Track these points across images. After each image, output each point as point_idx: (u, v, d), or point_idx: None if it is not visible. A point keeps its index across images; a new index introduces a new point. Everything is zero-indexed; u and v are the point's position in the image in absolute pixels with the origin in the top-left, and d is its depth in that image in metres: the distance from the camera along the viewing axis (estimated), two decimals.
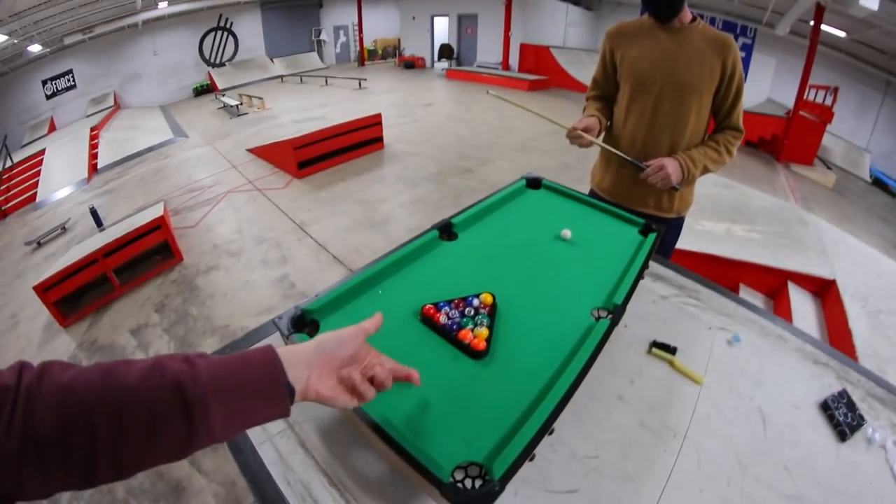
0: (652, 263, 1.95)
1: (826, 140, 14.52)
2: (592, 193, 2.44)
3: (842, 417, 1.32)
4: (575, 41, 21.96)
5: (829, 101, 13.88)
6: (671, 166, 2.01)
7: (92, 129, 12.19)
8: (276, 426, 1.14)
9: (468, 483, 0.88)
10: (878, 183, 16.45)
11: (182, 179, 7.87)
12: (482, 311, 1.28)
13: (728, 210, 4.84)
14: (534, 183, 2.23)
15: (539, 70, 18.53)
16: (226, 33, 22.12)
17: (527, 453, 0.89)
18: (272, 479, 1.03)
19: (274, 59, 23.27)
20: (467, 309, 1.28)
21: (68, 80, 17.43)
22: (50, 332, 4.30)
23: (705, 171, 2.11)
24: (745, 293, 3.91)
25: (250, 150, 8.66)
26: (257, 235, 5.34)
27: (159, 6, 17.32)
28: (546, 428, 0.94)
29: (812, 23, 12.33)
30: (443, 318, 1.25)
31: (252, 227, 5.60)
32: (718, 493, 1.08)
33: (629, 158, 2.11)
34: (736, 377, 1.45)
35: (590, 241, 1.77)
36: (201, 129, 11.85)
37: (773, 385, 1.45)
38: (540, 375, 1.11)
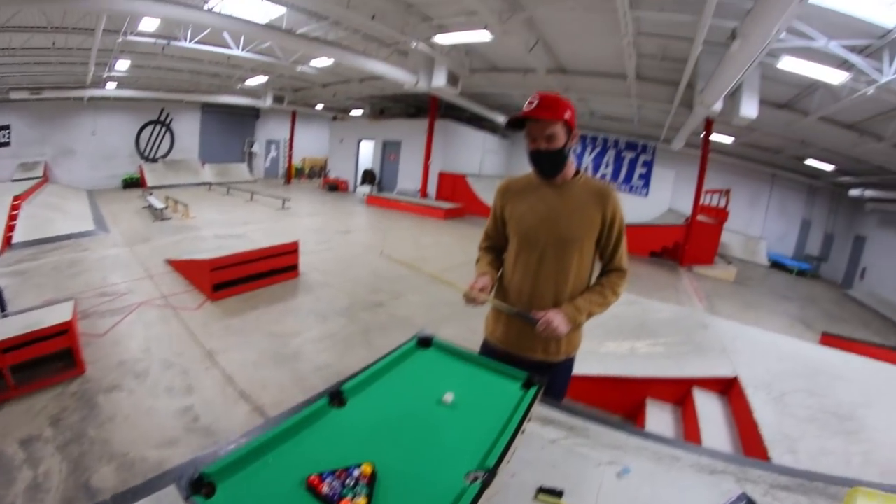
0: (542, 408, 2.10)
1: (724, 237, 16.30)
2: (485, 343, 2.59)
3: None
4: (491, 168, 23.86)
5: (723, 203, 15.37)
6: (557, 319, 2.14)
7: (15, 198, 11.82)
8: None
9: None
10: (776, 265, 18.66)
11: (97, 279, 7.85)
12: (361, 481, 1.37)
13: (632, 328, 5.02)
14: (424, 342, 2.39)
15: (456, 198, 19.58)
16: (164, 128, 22.43)
17: None
18: None
19: (205, 164, 23.50)
20: (348, 479, 1.37)
21: (4, 136, 17.27)
22: None
23: (591, 315, 2.27)
24: (653, 406, 4.06)
25: (169, 262, 8.76)
26: (165, 359, 5.39)
27: (107, 86, 17.47)
28: None
29: (703, 134, 13.95)
30: (325, 489, 1.34)
31: (161, 348, 5.65)
32: None
33: (523, 314, 2.26)
34: None
35: (472, 403, 1.89)
36: (123, 228, 11.90)
37: None
38: None
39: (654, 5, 8.32)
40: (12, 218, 10.65)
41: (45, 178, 17.52)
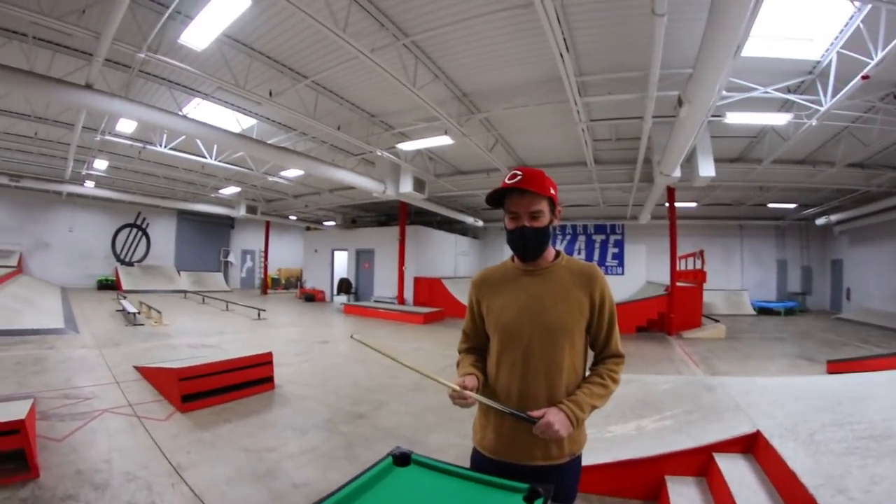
0: None
1: (706, 297, 16.70)
2: (475, 453, 2.27)
3: None
4: (465, 269, 24.52)
5: (699, 264, 15.75)
6: (557, 420, 1.90)
7: None
8: None
9: None
10: (763, 311, 19.05)
11: (60, 380, 7.50)
12: None
13: (634, 406, 4.77)
14: (402, 459, 2.09)
15: (433, 301, 19.72)
16: (140, 232, 22.57)
17: None
18: None
19: (181, 272, 23.60)
20: None
21: None
22: None
23: (593, 409, 2.03)
24: (673, 483, 3.76)
25: (137, 368, 8.42)
26: (128, 471, 4.98)
27: (85, 183, 17.81)
28: None
29: (667, 204, 14.54)
30: None
31: (124, 459, 5.25)
32: None
33: (517, 413, 1.97)
34: None
35: None
36: (94, 329, 11.60)
37: None
38: None
39: (601, 90, 8.97)
40: None
41: (19, 269, 17.41)
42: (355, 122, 11.27)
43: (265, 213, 22.72)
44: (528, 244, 2.06)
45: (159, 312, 13.77)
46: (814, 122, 9.01)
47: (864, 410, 3.47)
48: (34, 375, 7.57)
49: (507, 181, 1.99)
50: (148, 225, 22.88)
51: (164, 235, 23.66)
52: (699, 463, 3.83)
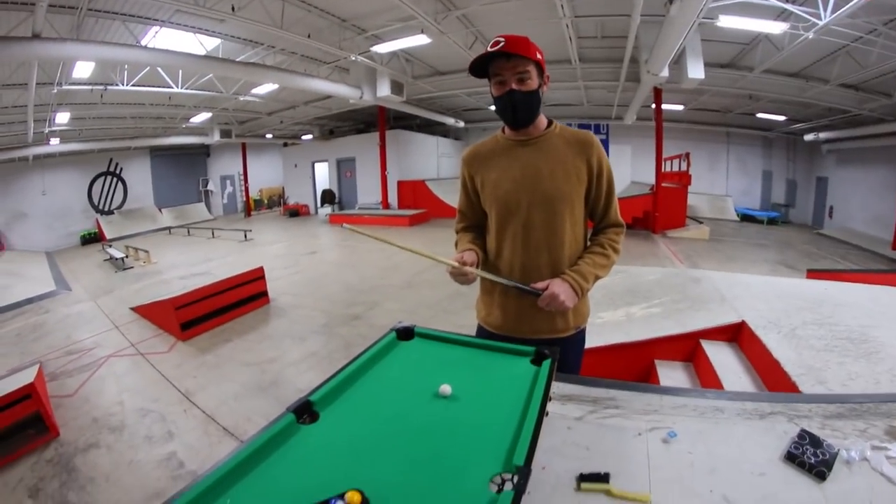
0: (558, 384, 1.82)
1: (691, 199, 16.91)
2: (480, 329, 2.28)
3: (812, 459, 1.26)
4: (448, 171, 23.99)
5: (684, 167, 15.76)
6: (562, 290, 1.86)
7: None
8: None
9: None
10: (746, 218, 19.34)
11: (61, 339, 7.59)
12: None
13: (623, 294, 4.85)
14: (405, 333, 2.06)
15: (418, 204, 19.73)
16: (115, 179, 22.01)
17: None
18: None
19: (162, 210, 23.18)
20: None
21: None
22: None
23: (597, 280, 1.99)
24: (662, 367, 3.91)
25: (134, 309, 8.53)
26: (140, 407, 5.18)
27: (51, 142, 17.01)
28: None
29: (654, 105, 14.22)
30: None
31: (134, 397, 5.44)
32: None
33: (520, 285, 1.94)
34: (686, 477, 1.30)
35: (477, 391, 1.58)
36: (85, 283, 11.58)
37: (728, 465, 1.33)
38: None
39: None
40: None
41: (1, 247, 17.06)
42: (326, 29, 10.53)
43: (240, 135, 21.92)
44: (519, 108, 1.91)
45: (146, 252, 13.71)
46: (811, 35, 8.35)
47: (842, 314, 3.56)
48: (35, 342, 7.64)
49: (490, 48, 1.84)
50: (122, 170, 22.19)
51: (139, 177, 23.02)
52: (687, 348, 3.96)
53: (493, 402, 1.50)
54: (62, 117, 14.48)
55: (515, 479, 1.08)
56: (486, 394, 1.56)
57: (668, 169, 16.49)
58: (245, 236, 16.83)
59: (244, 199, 26.22)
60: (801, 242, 14.42)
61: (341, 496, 1.07)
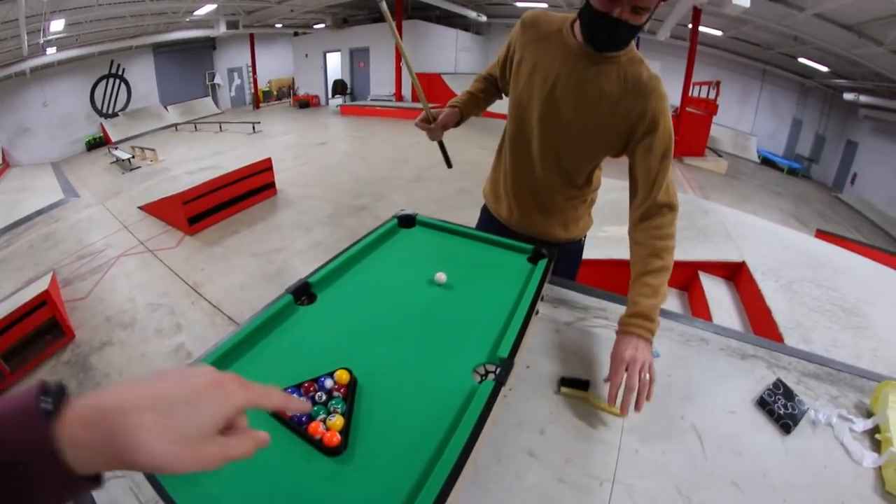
0: (552, 287, 1.78)
1: (714, 131, 16.12)
2: (485, 210, 2.11)
3: (782, 410, 1.25)
4: (466, 66, 22.90)
5: (712, 95, 15.22)
6: (642, 352, 1.27)
7: None
8: None
9: None
10: (766, 162, 18.45)
11: (73, 245, 7.59)
12: (337, 393, 1.06)
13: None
14: (407, 221, 1.97)
15: (433, 98, 18.59)
16: (118, 81, 21.33)
17: None
18: None
19: (168, 107, 22.55)
20: (319, 393, 1.05)
21: None
22: None
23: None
24: None
25: (142, 208, 8.48)
26: (150, 302, 5.23)
27: (47, 52, 16.27)
28: None
29: (690, 26, 13.28)
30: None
31: (144, 293, 5.47)
32: None
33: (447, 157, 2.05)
34: (661, 397, 1.28)
35: (471, 282, 1.56)
36: (93, 187, 11.48)
37: (703, 396, 1.32)
38: (414, 464, 0.92)
39: None
40: None
41: (7, 165, 16.86)
42: None
43: (247, 25, 20.77)
44: (615, 40, 1.42)
45: (153, 150, 13.47)
46: None
47: (840, 281, 3.55)
48: (48, 251, 7.63)
49: None
50: (124, 71, 21.38)
51: (143, 76, 22.22)
52: (684, 276, 4.02)
53: (485, 295, 1.50)
54: (57, 25, 13.68)
55: (498, 370, 1.13)
56: (479, 285, 1.56)
57: (695, 94, 15.65)
58: (253, 128, 16.49)
59: (252, 91, 25.53)
60: (817, 201, 13.91)
61: (331, 374, 1.10)
